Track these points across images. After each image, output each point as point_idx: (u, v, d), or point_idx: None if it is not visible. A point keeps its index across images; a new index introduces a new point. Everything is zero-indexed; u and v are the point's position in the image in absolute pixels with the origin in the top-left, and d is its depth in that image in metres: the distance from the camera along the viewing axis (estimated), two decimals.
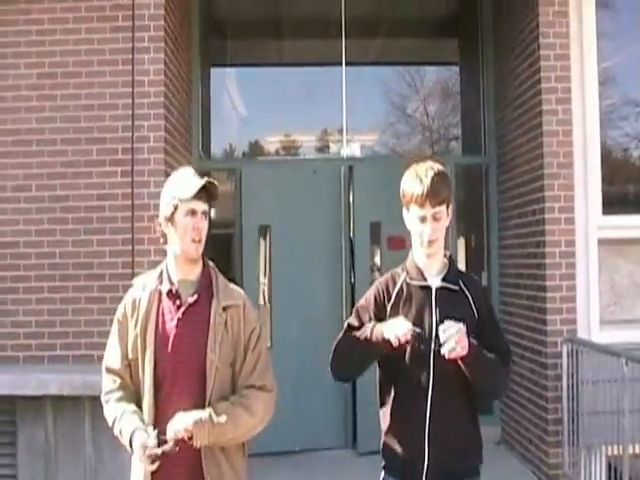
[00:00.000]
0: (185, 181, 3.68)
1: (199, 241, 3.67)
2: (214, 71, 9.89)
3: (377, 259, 9.20)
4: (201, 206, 3.67)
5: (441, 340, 3.46)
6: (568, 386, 7.02)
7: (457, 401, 3.70)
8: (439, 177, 3.67)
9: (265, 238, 8.98)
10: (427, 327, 3.65)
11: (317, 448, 8.57)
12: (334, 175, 9.16)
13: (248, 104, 10.09)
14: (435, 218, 3.64)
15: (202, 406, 3.52)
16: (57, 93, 7.33)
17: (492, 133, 9.21)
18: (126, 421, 3.55)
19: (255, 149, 10.31)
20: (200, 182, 3.61)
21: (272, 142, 10.28)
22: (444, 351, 3.46)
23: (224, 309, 3.67)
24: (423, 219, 3.63)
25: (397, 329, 3.48)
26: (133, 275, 6.76)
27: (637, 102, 8.25)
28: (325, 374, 8.52)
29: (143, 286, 3.74)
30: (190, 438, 3.41)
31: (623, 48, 8.16)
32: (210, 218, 3.76)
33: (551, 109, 7.47)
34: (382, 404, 3.87)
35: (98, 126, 7.30)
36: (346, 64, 9.45)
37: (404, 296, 3.75)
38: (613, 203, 7.83)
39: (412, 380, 3.68)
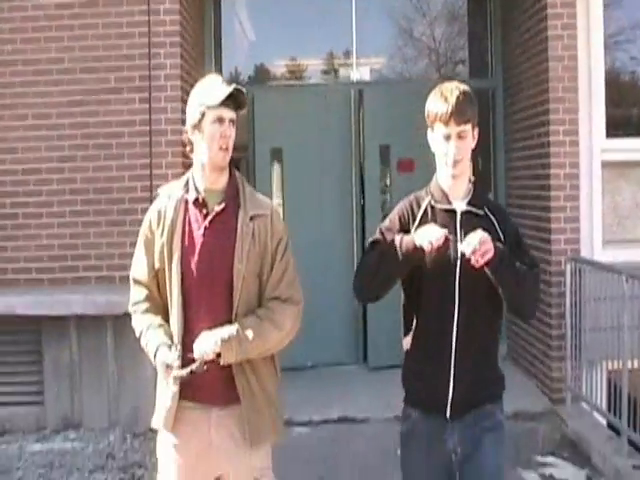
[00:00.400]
0: (213, 88, 3.58)
1: (226, 149, 3.56)
2: (230, 1, 9.89)
3: (387, 181, 9.37)
4: (229, 113, 3.56)
5: (467, 254, 3.40)
6: (571, 303, 7.22)
7: (484, 329, 3.64)
8: (464, 96, 3.57)
9: (277, 161, 9.18)
10: (452, 251, 3.57)
11: (329, 364, 8.89)
12: (344, 99, 9.32)
13: (258, 30, 10.12)
14: (460, 136, 3.55)
15: (229, 317, 3.49)
16: (75, 23, 7.47)
17: (498, 57, 9.31)
18: (151, 335, 3.57)
19: (266, 74, 10.39)
20: (228, 89, 3.50)
21: (283, 67, 10.36)
22: (473, 260, 3.40)
23: (251, 219, 3.58)
24: (448, 137, 3.54)
25: (430, 235, 3.42)
26: (151, 199, 6.97)
27: None
28: (336, 292, 8.77)
29: (168, 195, 3.67)
30: (218, 356, 3.39)
31: None
32: (237, 127, 3.63)
33: (556, 34, 7.54)
34: (406, 332, 3.80)
35: (115, 55, 7.46)
36: None
37: (429, 219, 3.64)
38: (617, 126, 8.03)
39: (437, 306, 3.60)
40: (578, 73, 7.63)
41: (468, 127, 3.57)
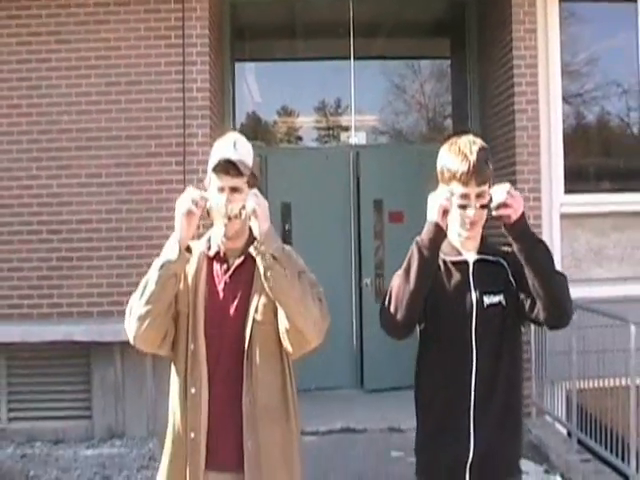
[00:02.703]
0: (215, 152, 3.39)
1: (230, 219, 3.30)
2: (240, 68, 11.01)
3: (380, 230, 10.50)
4: (229, 182, 3.31)
5: (494, 202, 3.22)
6: (535, 331, 8.14)
7: (504, 381, 3.40)
8: (484, 152, 3.33)
9: (287, 213, 10.32)
10: (468, 303, 3.40)
11: (330, 387, 10.04)
12: (344, 160, 10.54)
13: (271, 100, 11.36)
14: (479, 197, 3.29)
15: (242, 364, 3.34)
16: (122, 98, 8.64)
17: (477, 124, 10.31)
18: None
19: (277, 138, 11.60)
20: (218, 158, 3.32)
21: (292, 131, 11.58)
22: (493, 204, 3.22)
23: None
24: (466, 198, 3.29)
25: (434, 203, 3.26)
26: None
27: (597, 94, 9.70)
28: (336, 323, 9.97)
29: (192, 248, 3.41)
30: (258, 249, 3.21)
31: (583, 51, 9.57)
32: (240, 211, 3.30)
33: (522, 108, 8.73)
34: (418, 398, 3.60)
35: (156, 125, 8.62)
36: (354, 59, 10.61)
37: (441, 273, 3.44)
38: (573, 182, 9.11)
39: (454, 359, 3.40)
40: (540, 141, 8.79)
41: (486, 187, 3.32)
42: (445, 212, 3.27)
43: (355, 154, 10.59)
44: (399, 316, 3.28)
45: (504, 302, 3.41)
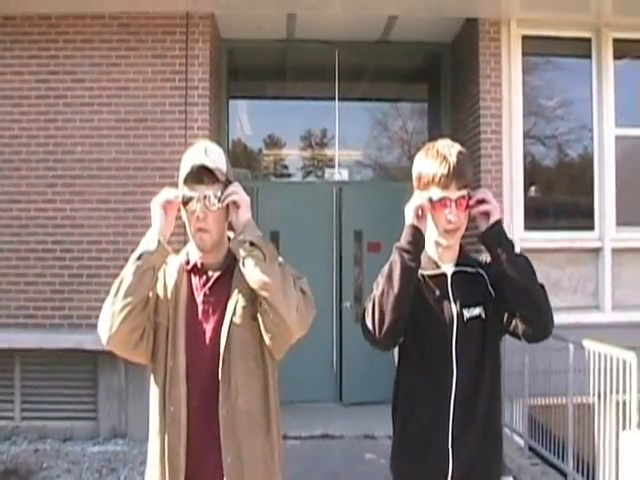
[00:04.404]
0: (184, 163, 3.24)
1: (204, 230, 3.21)
2: (234, 105, 11.78)
3: (359, 258, 11.33)
4: (202, 190, 3.17)
5: (472, 200, 3.20)
6: None
7: (483, 395, 3.30)
8: (463, 155, 3.22)
9: (275, 241, 10.81)
10: (448, 317, 3.29)
11: (311, 400, 10.79)
12: (328, 194, 11.45)
13: (261, 135, 12.18)
14: (459, 202, 3.18)
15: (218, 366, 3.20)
16: (130, 133, 9.55)
17: None
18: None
19: (266, 170, 12.37)
20: (190, 165, 3.17)
21: (280, 165, 12.36)
22: (472, 201, 3.20)
23: None
24: (445, 203, 3.18)
25: (410, 206, 3.21)
26: None
27: (556, 140, 10.68)
28: (318, 343, 10.59)
29: (167, 262, 3.35)
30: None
31: (544, 100, 10.58)
32: (220, 200, 3.19)
33: (487, 153, 9.74)
34: (396, 413, 3.49)
35: (160, 158, 9.48)
36: (339, 100, 11.40)
37: (421, 286, 3.32)
38: (532, 220, 10.07)
39: (434, 372, 3.29)
40: (502, 182, 9.74)
41: (466, 193, 3.21)
42: (421, 214, 3.22)
43: (338, 189, 11.43)
44: (385, 323, 3.15)
45: (484, 315, 3.31)
